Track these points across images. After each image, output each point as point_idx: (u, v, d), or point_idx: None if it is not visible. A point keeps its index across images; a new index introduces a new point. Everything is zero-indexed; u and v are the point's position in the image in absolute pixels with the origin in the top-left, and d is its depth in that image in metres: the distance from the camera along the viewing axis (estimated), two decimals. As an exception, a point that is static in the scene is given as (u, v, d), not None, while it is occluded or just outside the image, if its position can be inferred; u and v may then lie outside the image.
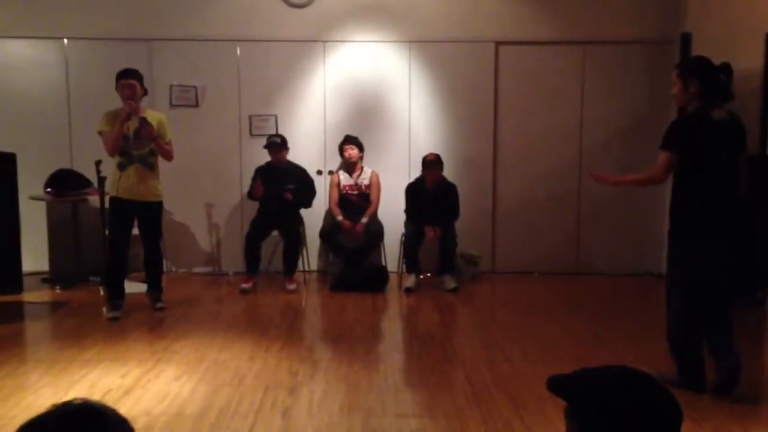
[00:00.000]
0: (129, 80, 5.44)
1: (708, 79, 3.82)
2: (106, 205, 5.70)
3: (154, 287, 5.85)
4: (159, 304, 5.78)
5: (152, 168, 5.59)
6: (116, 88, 5.50)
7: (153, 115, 5.64)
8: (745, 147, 3.90)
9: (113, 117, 5.48)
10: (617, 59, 7.12)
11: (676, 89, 3.92)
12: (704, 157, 3.78)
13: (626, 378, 1.46)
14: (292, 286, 6.45)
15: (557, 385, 1.49)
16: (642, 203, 7.05)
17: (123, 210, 5.53)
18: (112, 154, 5.51)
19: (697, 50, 6.41)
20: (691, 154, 3.79)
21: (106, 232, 5.69)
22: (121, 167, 5.49)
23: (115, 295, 5.60)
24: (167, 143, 5.66)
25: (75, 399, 1.31)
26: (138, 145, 5.48)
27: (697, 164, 3.78)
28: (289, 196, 6.53)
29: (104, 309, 5.57)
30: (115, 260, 5.57)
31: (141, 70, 6.38)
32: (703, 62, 3.95)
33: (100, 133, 5.51)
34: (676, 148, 3.83)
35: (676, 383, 3.81)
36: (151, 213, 5.65)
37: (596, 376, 1.47)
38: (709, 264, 3.80)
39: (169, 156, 5.71)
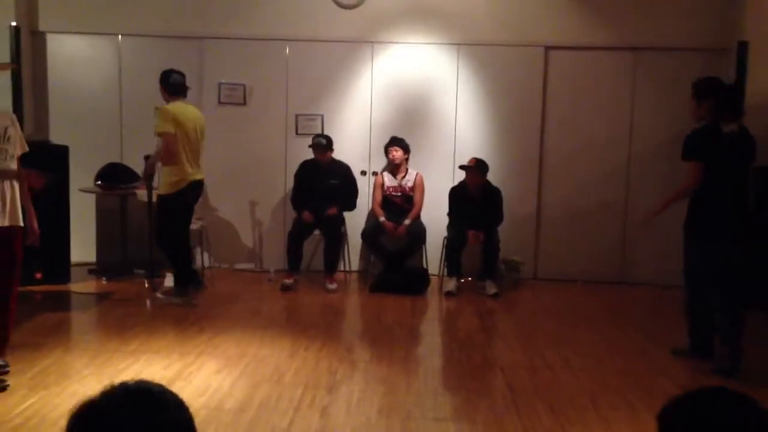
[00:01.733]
0: None
1: (720, 98, 4.35)
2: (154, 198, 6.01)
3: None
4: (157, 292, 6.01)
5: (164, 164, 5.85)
6: None
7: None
8: (755, 158, 4.40)
9: None
10: (670, 67, 6.97)
11: (692, 106, 4.52)
12: (715, 166, 4.28)
13: (720, 398, 1.39)
14: (332, 286, 6.46)
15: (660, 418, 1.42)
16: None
17: None
18: None
19: (754, 59, 6.26)
20: (705, 163, 4.31)
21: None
22: None
23: (181, 279, 5.99)
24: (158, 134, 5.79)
25: (131, 380, 1.30)
26: None
27: (708, 172, 4.30)
28: (333, 211, 6.58)
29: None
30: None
31: (192, 68, 6.50)
32: (716, 83, 4.54)
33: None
34: (699, 157, 4.32)
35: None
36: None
37: (686, 399, 1.40)
38: (717, 262, 4.35)
39: (155, 161, 5.92)
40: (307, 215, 6.55)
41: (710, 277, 4.41)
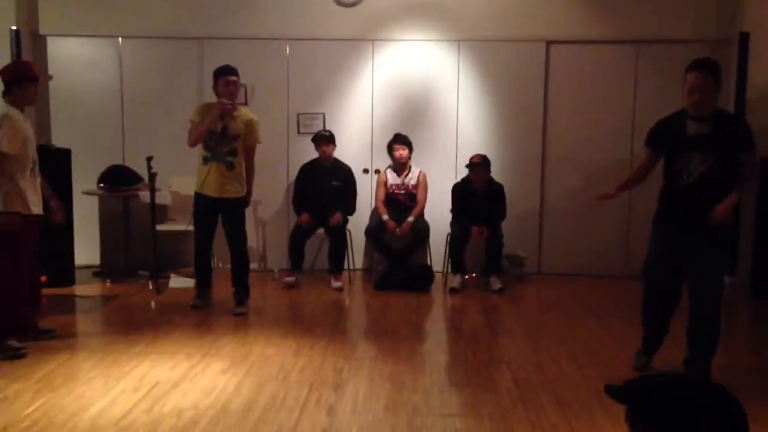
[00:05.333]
0: (233, 77, 5.52)
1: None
2: (160, 198, 6.16)
3: (239, 290, 5.74)
4: (239, 309, 5.60)
5: (232, 167, 5.54)
6: (214, 86, 5.58)
7: (244, 115, 5.65)
8: None
9: (206, 109, 5.53)
10: (672, 59, 6.92)
11: (714, 96, 3.83)
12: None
13: (691, 383, 1.42)
14: (338, 284, 6.46)
15: (617, 391, 1.45)
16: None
17: (204, 205, 5.60)
18: (191, 145, 5.55)
19: (755, 49, 6.25)
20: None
21: (194, 228, 5.79)
22: (205, 161, 5.53)
23: (201, 284, 5.79)
24: (252, 147, 5.65)
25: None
26: (222, 142, 5.50)
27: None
28: (337, 219, 6.51)
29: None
30: (198, 251, 5.74)
31: (193, 69, 6.44)
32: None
33: (192, 122, 5.55)
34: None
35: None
36: (230, 211, 5.64)
37: (659, 380, 1.43)
38: None
39: (250, 163, 5.70)
40: (305, 218, 6.54)
41: None
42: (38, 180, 4.68)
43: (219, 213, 5.64)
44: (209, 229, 5.70)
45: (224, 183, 5.53)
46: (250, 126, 5.59)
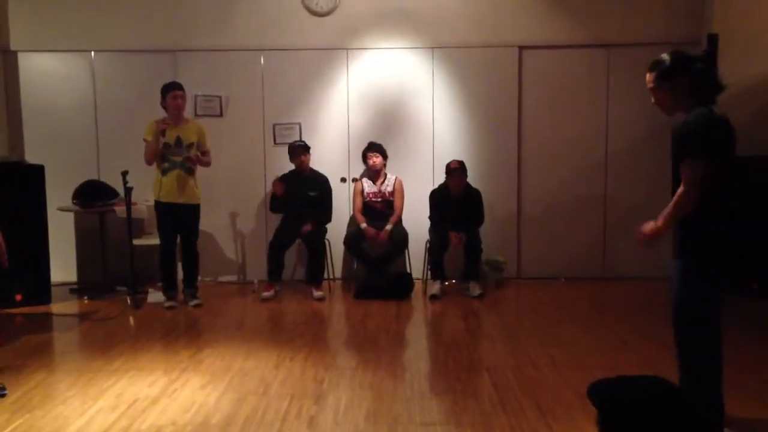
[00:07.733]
0: (180, 91, 6.04)
1: (698, 72, 3.29)
2: (137, 213, 6.28)
3: (190, 285, 6.28)
4: (194, 302, 6.20)
5: (192, 172, 6.09)
6: (162, 101, 6.02)
7: (194, 125, 6.15)
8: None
9: (156, 126, 5.97)
10: (642, 61, 6.90)
11: (663, 95, 3.39)
12: (725, 165, 3.19)
13: (656, 393, 1.42)
14: (319, 293, 6.45)
15: (593, 392, 1.46)
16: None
17: (167, 211, 6.05)
18: (149, 164, 6.05)
19: (723, 51, 6.32)
20: (717, 161, 3.15)
21: (159, 240, 6.19)
22: (164, 172, 6.00)
23: (170, 286, 6.19)
24: (205, 152, 6.18)
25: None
26: (178, 152, 5.98)
27: (718, 173, 3.15)
28: (308, 228, 6.53)
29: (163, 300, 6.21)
30: (167, 255, 6.15)
31: (167, 81, 6.46)
32: (686, 55, 3.42)
33: (146, 140, 5.99)
34: (710, 156, 3.12)
35: None
36: (190, 214, 6.15)
37: (628, 387, 1.43)
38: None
39: (208, 165, 6.29)
40: (278, 186, 6.60)
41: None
42: None
43: (177, 216, 6.08)
44: (175, 234, 6.16)
45: (188, 188, 6.06)
46: (201, 134, 6.15)
